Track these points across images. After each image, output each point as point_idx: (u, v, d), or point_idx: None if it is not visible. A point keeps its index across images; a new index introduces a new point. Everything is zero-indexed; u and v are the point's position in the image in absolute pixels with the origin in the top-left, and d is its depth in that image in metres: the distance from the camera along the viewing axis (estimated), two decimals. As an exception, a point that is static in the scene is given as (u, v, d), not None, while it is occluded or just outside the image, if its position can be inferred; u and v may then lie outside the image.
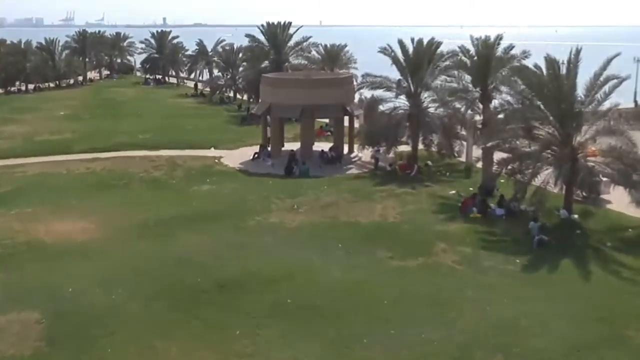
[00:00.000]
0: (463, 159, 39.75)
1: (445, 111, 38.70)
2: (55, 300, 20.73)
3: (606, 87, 28.36)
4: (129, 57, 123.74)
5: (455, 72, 38.28)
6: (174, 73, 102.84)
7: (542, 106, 29.40)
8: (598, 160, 28.80)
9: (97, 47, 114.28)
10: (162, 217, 29.49)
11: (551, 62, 28.84)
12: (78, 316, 19.69)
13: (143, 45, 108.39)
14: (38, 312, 19.85)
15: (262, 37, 65.16)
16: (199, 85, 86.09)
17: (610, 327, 18.87)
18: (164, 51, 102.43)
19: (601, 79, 28.42)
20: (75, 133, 52.84)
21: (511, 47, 37.83)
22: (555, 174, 27.75)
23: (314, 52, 67.08)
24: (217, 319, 19.51)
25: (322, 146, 43.50)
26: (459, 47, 39.09)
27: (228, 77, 76.41)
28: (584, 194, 30.24)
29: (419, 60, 39.78)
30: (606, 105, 28.94)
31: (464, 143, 39.46)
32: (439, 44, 41.31)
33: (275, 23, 64.98)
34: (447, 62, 39.64)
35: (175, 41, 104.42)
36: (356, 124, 45.35)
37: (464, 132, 39.04)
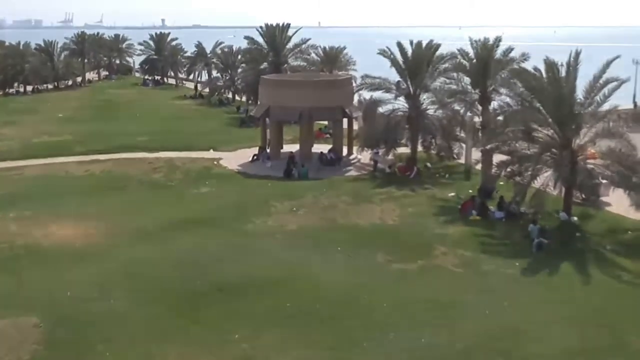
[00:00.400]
0: (462, 161, 39.64)
1: (444, 113, 38.69)
2: (53, 305, 20.65)
3: (605, 90, 28.34)
4: (127, 58, 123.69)
5: (455, 74, 38.24)
6: (172, 74, 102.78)
7: (541, 108, 29.37)
8: (597, 162, 28.79)
9: (95, 49, 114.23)
10: (161, 220, 29.40)
11: (550, 64, 28.80)
12: (76, 321, 19.61)
13: (142, 47, 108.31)
14: (36, 317, 19.76)
15: (260, 39, 65.07)
16: (199, 87, 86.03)
17: (610, 331, 18.81)
18: (163, 53, 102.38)
19: (600, 81, 28.40)
20: (74, 135, 52.75)
21: (510, 49, 37.78)
22: (555, 177, 27.74)
23: (312, 54, 66.99)
24: (216, 323, 19.43)
25: (321, 148, 43.43)
26: (458, 50, 39.07)
27: (227, 78, 76.34)
28: (583, 196, 30.23)
29: (418, 63, 39.77)
30: (605, 107, 28.93)
31: (463, 145, 39.38)
32: (438, 46, 41.33)
33: (274, 25, 64.86)
34: (446, 65, 39.62)
35: (174, 43, 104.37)
36: (355, 126, 45.31)
37: (463, 134, 38.98)
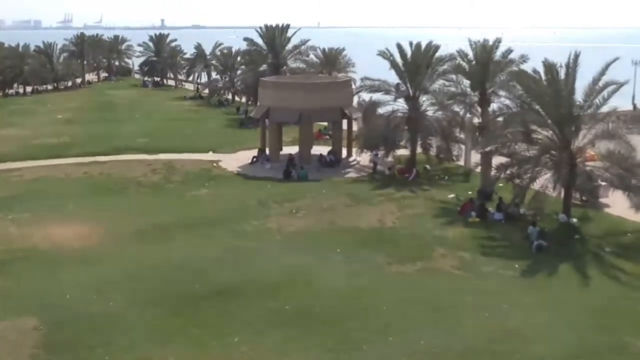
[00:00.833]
0: (462, 162, 39.68)
1: (443, 115, 38.68)
2: (52, 307, 20.62)
3: (605, 92, 28.35)
4: (127, 60, 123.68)
5: (454, 76, 38.24)
6: (172, 75, 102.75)
7: (540, 110, 29.37)
8: (597, 164, 28.80)
9: (95, 50, 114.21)
10: (160, 222, 29.39)
11: (549, 66, 28.81)
12: (75, 323, 19.58)
13: (141, 49, 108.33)
14: (35, 319, 19.74)
15: (260, 41, 65.03)
16: (199, 88, 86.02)
17: (609, 333, 18.80)
18: (162, 54, 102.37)
19: (600, 83, 28.40)
20: (73, 136, 52.75)
21: (509, 50, 37.83)
22: (554, 178, 27.71)
23: (312, 56, 66.95)
24: (215, 326, 19.41)
25: (320, 150, 43.42)
26: (457, 51, 39.07)
27: (226, 79, 76.33)
28: (582, 198, 30.22)
29: (418, 65, 39.76)
30: (604, 108, 28.92)
31: (463, 147, 39.41)
32: (437, 47, 41.29)
33: (274, 26, 64.78)
34: (446, 66, 39.62)
35: (173, 44, 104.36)
36: (355, 128, 45.31)
37: (462, 136, 38.99)
